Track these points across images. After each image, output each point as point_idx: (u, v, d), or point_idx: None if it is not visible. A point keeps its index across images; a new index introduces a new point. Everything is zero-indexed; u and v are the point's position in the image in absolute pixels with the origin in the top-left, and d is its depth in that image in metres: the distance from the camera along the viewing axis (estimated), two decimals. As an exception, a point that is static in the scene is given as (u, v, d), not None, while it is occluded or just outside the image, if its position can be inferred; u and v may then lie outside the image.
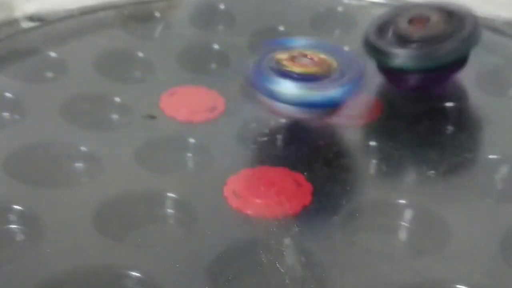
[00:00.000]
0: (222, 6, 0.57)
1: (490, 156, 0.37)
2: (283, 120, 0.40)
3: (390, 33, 0.41)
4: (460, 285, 0.28)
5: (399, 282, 0.29)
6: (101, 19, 0.53)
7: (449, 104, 0.42)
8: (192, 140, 0.39)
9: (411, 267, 0.30)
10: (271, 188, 0.34)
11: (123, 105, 0.42)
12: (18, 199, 0.33)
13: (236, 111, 0.42)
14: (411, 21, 0.40)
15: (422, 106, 0.42)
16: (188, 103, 0.42)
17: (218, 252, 0.30)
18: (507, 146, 0.38)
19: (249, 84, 0.37)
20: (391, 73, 0.42)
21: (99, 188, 0.34)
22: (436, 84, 0.42)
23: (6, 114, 0.41)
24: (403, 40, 0.40)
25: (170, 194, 0.34)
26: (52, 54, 0.48)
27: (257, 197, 0.33)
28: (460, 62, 0.41)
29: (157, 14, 0.56)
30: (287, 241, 0.31)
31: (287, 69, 0.36)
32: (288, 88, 0.35)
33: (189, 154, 0.39)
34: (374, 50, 0.40)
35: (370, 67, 0.40)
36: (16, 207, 0.32)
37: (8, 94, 0.42)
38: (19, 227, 0.32)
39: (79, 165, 0.37)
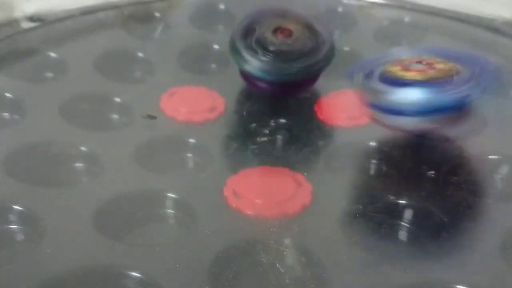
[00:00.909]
0: (222, 6, 0.57)
1: (490, 156, 0.37)
2: (283, 120, 0.40)
3: (254, 37, 0.40)
4: (460, 285, 0.28)
5: (399, 282, 0.29)
6: (101, 19, 0.54)
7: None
8: (192, 140, 0.39)
9: (411, 267, 0.30)
10: (271, 188, 0.34)
11: (123, 105, 0.42)
12: (18, 199, 0.33)
13: (236, 111, 0.42)
14: (275, 31, 0.40)
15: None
16: (188, 103, 0.42)
17: (218, 252, 0.30)
18: (507, 146, 0.38)
19: (367, 106, 0.36)
20: (243, 74, 0.42)
21: (99, 188, 0.34)
22: (286, 94, 0.43)
23: (6, 114, 0.41)
24: (261, 47, 0.40)
25: (170, 194, 0.34)
26: (52, 54, 0.48)
27: (257, 197, 0.33)
28: (310, 79, 0.42)
29: (157, 14, 0.56)
30: (287, 241, 0.31)
31: (407, 78, 0.33)
32: (415, 95, 0.32)
33: (189, 154, 0.39)
34: (232, 49, 0.41)
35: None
36: (16, 207, 0.32)
37: (8, 94, 0.42)
38: (19, 227, 0.32)
39: (79, 165, 0.37)
